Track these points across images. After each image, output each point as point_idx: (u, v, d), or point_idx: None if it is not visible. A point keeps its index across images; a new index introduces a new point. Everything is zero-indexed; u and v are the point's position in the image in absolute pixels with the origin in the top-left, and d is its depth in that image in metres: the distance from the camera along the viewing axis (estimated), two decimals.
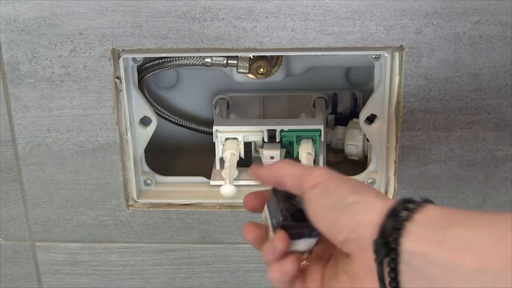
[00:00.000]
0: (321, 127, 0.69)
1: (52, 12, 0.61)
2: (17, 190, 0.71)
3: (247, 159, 0.72)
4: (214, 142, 0.70)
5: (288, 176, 0.47)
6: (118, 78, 0.64)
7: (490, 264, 0.35)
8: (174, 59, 0.68)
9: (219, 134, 0.69)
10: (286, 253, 0.46)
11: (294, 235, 0.45)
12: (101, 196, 0.70)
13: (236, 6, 0.60)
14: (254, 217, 0.71)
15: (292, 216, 0.45)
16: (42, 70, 0.64)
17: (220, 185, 0.66)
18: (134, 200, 0.71)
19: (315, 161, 0.70)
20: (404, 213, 0.39)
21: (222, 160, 0.70)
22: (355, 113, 0.77)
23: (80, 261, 0.75)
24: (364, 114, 0.67)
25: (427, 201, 0.41)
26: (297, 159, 0.69)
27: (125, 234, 0.73)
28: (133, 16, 0.61)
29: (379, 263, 0.39)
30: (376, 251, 0.40)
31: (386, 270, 0.39)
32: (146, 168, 0.72)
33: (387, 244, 0.39)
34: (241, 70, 0.68)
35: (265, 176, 0.49)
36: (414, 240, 0.38)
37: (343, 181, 0.44)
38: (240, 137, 0.69)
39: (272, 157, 0.69)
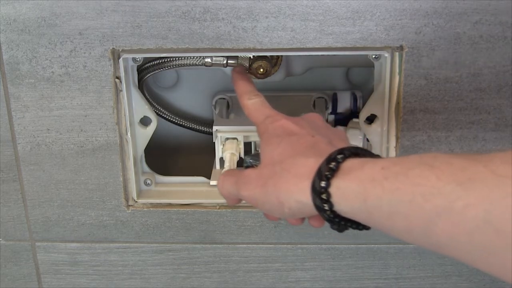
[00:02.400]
0: None
1: (52, 12, 0.61)
2: (17, 190, 0.71)
3: None
4: (214, 142, 0.70)
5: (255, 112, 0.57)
6: (118, 78, 0.64)
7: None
8: (174, 59, 0.68)
9: (219, 134, 0.69)
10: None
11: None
12: (101, 196, 0.70)
13: (236, 6, 0.60)
14: (255, 217, 0.71)
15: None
16: (42, 70, 0.64)
17: None
18: (134, 200, 0.71)
19: None
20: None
21: (222, 160, 0.70)
22: (355, 113, 0.77)
23: (80, 261, 0.75)
24: (364, 114, 0.67)
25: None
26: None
27: (125, 234, 0.73)
28: (133, 16, 0.61)
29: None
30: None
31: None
32: (146, 168, 0.72)
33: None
34: None
35: (238, 90, 0.61)
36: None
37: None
38: (240, 137, 0.69)
39: None
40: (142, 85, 0.72)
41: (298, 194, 0.46)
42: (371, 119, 0.67)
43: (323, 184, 0.44)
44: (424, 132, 0.65)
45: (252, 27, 0.61)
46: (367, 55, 0.64)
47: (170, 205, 0.71)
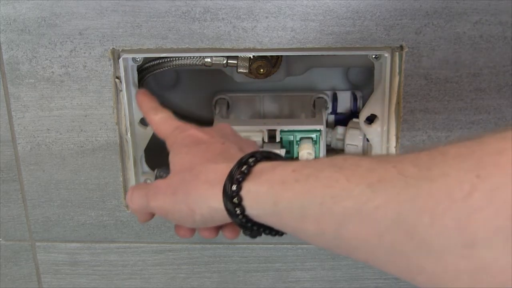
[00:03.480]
0: (321, 127, 0.69)
1: (52, 12, 0.61)
2: (17, 190, 0.71)
3: None
4: None
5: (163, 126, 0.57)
6: (118, 78, 0.64)
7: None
8: (174, 59, 0.68)
9: None
10: None
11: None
12: (101, 196, 0.70)
13: (236, 6, 0.60)
14: None
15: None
16: (42, 70, 0.64)
17: None
18: None
19: None
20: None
21: None
22: (355, 113, 0.77)
23: (80, 261, 0.75)
24: (364, 114, 0.67)
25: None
26: (297, 159, 0.69)
27: (125, 234, 0.73)
28: (133, 16, 0.61)
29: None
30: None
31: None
32: (146, 168, 0.72)
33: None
34: (241, 70, 0.68)
35: (143, 108, 0.60)
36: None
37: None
38: None
39: None
40: (142, 85, 0.71)
41: (210, 199, 0.45)
42: (371, 119, 0.67)
43: (234, 187, 0.43)
44: (424, 132, 0.65)
45: (252, 27, 0.61)
46: (367, 55, 0.64)
47: None
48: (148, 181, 0.71)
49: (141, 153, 0.70)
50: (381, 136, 0.66)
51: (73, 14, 0.61)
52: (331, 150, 0.77)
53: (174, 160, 0.52)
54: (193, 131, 0.54)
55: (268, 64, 0.69)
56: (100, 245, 0.74)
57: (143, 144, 0.70)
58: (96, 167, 0.69)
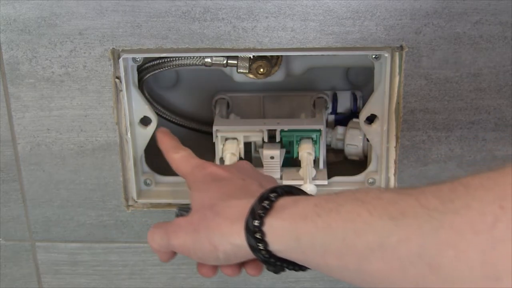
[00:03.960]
0: (321, 127, 0.69)
1: (52, 12, 0.61)
2: (17, 190, 0.71)
3: (247, 159, 0.72)
4: (214, 142, 0.70)
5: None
6: (118, 78, 0.64)
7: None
8: (174, 59, 0.68)
9: (219, 134, 0.69)
10: None
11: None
12: (101, 196, 0.70)
13: (236, 6, 0.60)
14: None
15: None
16: (42, 70, 0.64)
17: None
18: (134, 200, 0.71)
19: (315, 161, 0.70)
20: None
21: (222, 160, 0.70)
22: (355, 113, 0.77)
23: (80, 261, 0.75)
24: (364, 114, 0.67)
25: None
26: (297, 159, 0.70)
27: (125, 234, 0.73)
28: (133, 16, 0.61)
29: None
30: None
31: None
32: (146, 168, 0.72)
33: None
34: (241, 70, 0.68)
35: (163, 147, 0.60)
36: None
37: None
38: (240, 137, 0.69)
39: (272, 157, 0.69)
40: (142, 85, 0.71)
41: (232, 236, 0.45)
42: (371, 119, 0.67)
43: (256, 223, 0.43)
44: (424, 132, 0.65)
45: (252, 27, 0.61)
46: (367, 55, 0.64)
47: (170, 205, 0.71)
48: (148, 181, 0.72)
49: (141, 153, 0.70)
50: (381, 136, 0.66)
51: (73, 14, 0.61)
52: (331, 150, 0.77)
53: (195, 197, 0.52)
54: (213, 169, 0.54)
55: (268, 64, 0.69)
56: (100, 245, 0.74)
57: (143, 144, 0.70)
58: (96, 167, 0.69)
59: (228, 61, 0.67)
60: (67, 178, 0.70)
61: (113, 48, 0.63)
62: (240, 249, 0.45)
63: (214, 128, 0.70)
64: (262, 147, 0.70)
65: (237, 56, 0.67)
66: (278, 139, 0.70)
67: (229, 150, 0.69)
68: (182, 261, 0.74)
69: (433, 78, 0.63)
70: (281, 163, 0.70)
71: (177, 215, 0.57)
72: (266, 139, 0.70)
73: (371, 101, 0.66)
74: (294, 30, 0.61)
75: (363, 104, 0.69)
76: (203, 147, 0.79)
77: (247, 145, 0.71)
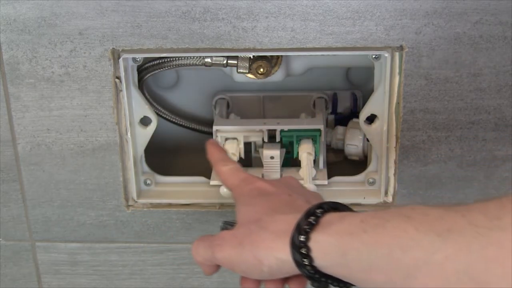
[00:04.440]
0: (321, 127, 0.69)
1: (52, 12, 0.61)
2: (17, 190, 0.71)
3: (247, 159, 0.72)
4: None
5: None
6: (118, 78, 0.64)
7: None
8: (174, 59, 0.68)
9: (219, 134, 0.69)
10: None
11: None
12: (101, 196, 0.70)
13: (236, 6, 0.60)
14: None
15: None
16: (42, 70, 0.64)
17: (220, 185, 0.66)
18: (134, 200, 0.71)
19: (315, 161, 0.70)
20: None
21: None
22: (355, 113, 0.77)
23: (80, 261, 0.75)
24: (364, 114, 0.67)
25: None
26: (297, 159, 0.70)
27: (125, 234, 0.73)
28: (133, 16, 0.61)
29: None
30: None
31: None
32: (146, 168, 0.72)
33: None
34: (241, 70, 0.68)
35: (212, 158, 0.60)
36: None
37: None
38: (240, 137, 0.69)
39: (272, 157, 0.69)
40: (142, 85, 0.71)
41: (277, 250, 0.45)
42: (371, 119, 0.67)
43: (302, 238, 0.43)
44: (424, 132, 0.65)
45: (252, 27, 0.61)
46: (367, 55, 0.64)
47: (170, 205, 0.71)
48: (148, 181, 0.72)
49: (141, 153, 0.70)
50: (381, 136, 0.66)
51: (73, 14, 0.61)
52: (331, 150, 0.77)
53: (241, 211, 0.52)
54: (260, 183, 0.54)
55: (268, 64, 0.69)
56: (100, 245, 0.74)
57: (143, 144, 0.70)
58: (96, 167, 0.69)
59: (228, 61, 0.67)
60: (67, 178, 0.70)
61: (113, 48, 0.63)
62: (285, 264, 0.45)
63: (214, 128, 0.70)
64: (262, 147, 0.70)
65: (237, 56, 0.67)
66: (278, 139, 0.70)
67: (229, 150, 0.69)
68: (182, 261, 0.74)
69: (433, 78, 0.63)
70: (281, 163, 0.70)
71: (222, 229, 0.57)
72: (266, 139, 0.70)
73: (371, 101, 0.66)
74: (294, 30, 0.61)
75: (363, 104, 0.69)
76: (203, 147, 0.79)
77: (247, 145, 0.71)
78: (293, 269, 0.44)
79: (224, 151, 0.62)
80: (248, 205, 0.51)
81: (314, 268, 0.43)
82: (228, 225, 0.57)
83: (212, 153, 0.61)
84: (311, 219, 0.43)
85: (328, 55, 0.64)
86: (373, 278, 0.39)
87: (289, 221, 0.45)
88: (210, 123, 0.74)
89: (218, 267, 0.53)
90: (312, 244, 0.42)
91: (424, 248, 0.36)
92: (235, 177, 0.57)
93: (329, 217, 0.44)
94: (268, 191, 0.53)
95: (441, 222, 0.36)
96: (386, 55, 0.62)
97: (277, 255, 0.45)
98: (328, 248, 0.42)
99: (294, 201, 0.51)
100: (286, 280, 0.50)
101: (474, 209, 0.36)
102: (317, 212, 0.44)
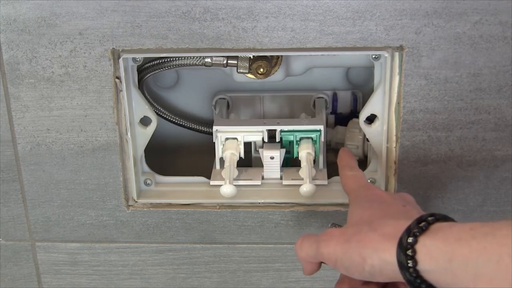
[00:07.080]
0: (321, 127, 0.69)
1: (52, 12, 0.61)
2: (17, 190, 0.71)
3: (247, 159, 0.72)
4: (214, 142, 0.70)
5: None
6: (118, 78, 0.64)
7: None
8: (174, 59, 0.68)
9: (219, 134, 0.69)
10: None
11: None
12: (101, 196, 0.70)
13: (236, 6, 0.60)
14: (255, 217, 0.71)
15: None
16: (42, 70, 0.64)
17: (220, 185, 0.66)
18: (134, 200, 0.71)
19: (315, 161, 0.70)
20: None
21: (222, 160, 0.70)
22: (355, 113, 0.77)
23: (80, 261, 0.75)
24: (364, 114, 0.67)
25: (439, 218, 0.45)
26: (297, 159, 0.70)
27: (125, 234, 0.73)
28: (133, 16, 0.61)
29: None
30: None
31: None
32: (146, 168, 0.72)
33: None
34: (241, 70, 0.68)
35: (341, 163, 0.63)
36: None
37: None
38: (240, 137, 0.69)
39: (272, 157, 0.69)
40: (142, 85, 0.72)
41: (383, 251, 0.45)
42: (371, 119, 0.67)
43: (410, 240, 0.43)
44: (424, 132, 0.65)
45: (252, 27, 0.61)
46: (367, 55, 0.64)
47: (170, 205, 0.71)
48: (148, 181, 0.72)
49: (141, 153, 0.70)
50: (381, 136, 0.66)
51: (73, 14, 0.61)
52: (331, 150, 0.77)
53: (354, 212, 0.53)
54: (378, 191, 0.56)
55: (268, 64, 0.69)
56: (100, 245, 0.74)
57: (143, 144, 0.70)
58: (96, 167, 0.69)
59: (228, 61, 0.67)
60: (67, 178, 0.70)
61: (113, 48, 0.63)
62: (388, 266, 0.45)
63: (214, 128, 0.70)
64: (262, 147, 0.70)
65: (237, 56, 0.67)
66: (278, 139, 0.70)
67: (229, 150, 0.69)
68: (182, 261, 0.74)
69: (433, 78, 0.63)
70: (281, 163, 0.70)
71: (331, 227, 0.58)
72: (266, 139, 0.70)
73: (371, 101, 0.66)
74: (294, 30, 0.61)
75: (363, 104, 0.69)
76: (203, 147, 0.79)
77: (247, 145, 0.71)
78: (394, 273, 0.44)
79: (354, 159, 0.64)
80: (363, 207, 0.53)
81: (416, 272, 0.43)
82: (337, 225, 0.59)
83: (342, 158, 0.64)
84: (422, 224, 0.44)
85: (328, 55, 0.64)
86: (478, 285, 0.39)
87: (400, 226, 0.45)
88: (210, 123, 0.74)
89: (319, 266, 0.53)
90: (419, 246, 0.43)
91: None
92: (356, 183, 0.59)
93: (440, 225, 0.44)
94: (384, 198, 0.54)
95: None
96: (386, 55, 0.62)
97: (381, 255, 0.45)
98: (434, 252, 0.42)
99: (407, 211, 0.52)
100: (383, 286, 0.51)
101: None
102: (428, 219, 0.45)
